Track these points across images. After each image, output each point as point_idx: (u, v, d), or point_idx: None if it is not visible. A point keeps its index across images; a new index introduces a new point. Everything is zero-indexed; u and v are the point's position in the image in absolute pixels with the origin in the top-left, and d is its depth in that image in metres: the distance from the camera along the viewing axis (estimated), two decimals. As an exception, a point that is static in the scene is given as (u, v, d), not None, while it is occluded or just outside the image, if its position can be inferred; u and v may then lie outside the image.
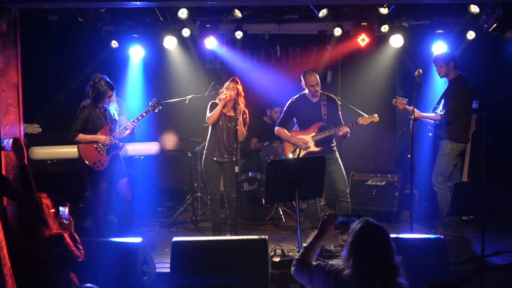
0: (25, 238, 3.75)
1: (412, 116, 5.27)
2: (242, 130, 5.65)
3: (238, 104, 5.64)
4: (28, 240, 3.74)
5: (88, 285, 2.42)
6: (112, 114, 5.56)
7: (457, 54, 7.23)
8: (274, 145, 7.32)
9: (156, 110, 5.67)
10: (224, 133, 5.73)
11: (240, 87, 5.73)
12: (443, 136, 5.75)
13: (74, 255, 3.82)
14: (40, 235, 3.73)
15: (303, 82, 5.65)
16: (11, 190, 3.46)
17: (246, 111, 5.81)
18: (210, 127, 5.83)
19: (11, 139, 3.56)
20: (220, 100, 5.69)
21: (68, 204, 4.00)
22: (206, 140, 5.94)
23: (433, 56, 6.03)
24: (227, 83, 5.76)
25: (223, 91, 5.72)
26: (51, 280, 3.75)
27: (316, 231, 2.97)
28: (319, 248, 3.04)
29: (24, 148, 3.67)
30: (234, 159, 5.57)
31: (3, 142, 3.56)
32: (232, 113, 5.73)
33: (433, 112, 5.84)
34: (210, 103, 5.84)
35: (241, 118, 5.64)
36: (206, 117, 5.78)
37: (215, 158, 5.78)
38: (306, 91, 5.69)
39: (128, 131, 5.58)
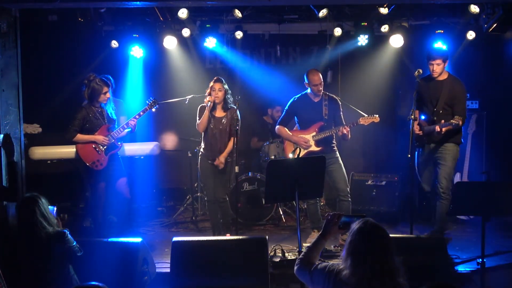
0: (26, 236, 3.75)
1: (412, 116, 5.21)
2: (233, 138, 5.61)
3: (229, 104, 5.63)
4: (30, 238, 3.74)
5: (93, 283, 2.41)
6: (109, 113, 5.56)
7: (457, 54, 7.27)
8: (274, 145, 7.31)
9: (153, 109, 5.67)
10: (217, 136, 5.69)
11: (226, 86, 5.68)
12: (447, 140, 5.39)
13: (74, 250, 3.82)
14: (43, 232, 3.73)
15: (306, 81, 5.64)
16: None
17: (238, 113, 5.68)
18: (201, 132, 5.79)
19: (1, 135, 3.57)
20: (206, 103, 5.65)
21: (56, 205, 4.01)
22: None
23: (431, 53, 5.54)
24: (212, 84, 5.66)
25: (210, 93, 5.62)
26: (52, 278, 3.75)
27: (316, 231, 2.98)
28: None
29: (13, 145, 3.67)
30: (229, 160, 5.59)
31: None
32: (223, 114, 5.70)
33: (422, 115, 5.54)
34: (199, 108, 5.77)
35: (232, 116, 5.64)
36: (196, 124, 5.72)
37: (210, 160, 5.76)
38: (308, 90, 5.68)
39: (127, 130, 5.58)
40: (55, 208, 3.99)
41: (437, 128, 5.22)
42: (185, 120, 7.57)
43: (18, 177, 3.53)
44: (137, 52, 7.49)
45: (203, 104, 5.75)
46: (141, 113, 5.60)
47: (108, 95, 5.46)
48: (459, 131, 5.45)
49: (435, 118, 5.39)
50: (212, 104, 5.62)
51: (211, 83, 5.69)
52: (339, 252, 5.05)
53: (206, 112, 5.62)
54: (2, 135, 3.59)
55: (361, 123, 5.52)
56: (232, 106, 5.72)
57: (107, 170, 5.49)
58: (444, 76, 5.47)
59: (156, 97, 5.80)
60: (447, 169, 5.42)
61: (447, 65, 5.52)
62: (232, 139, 5.68)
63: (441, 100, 5.40)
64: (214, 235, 5.80)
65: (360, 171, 7.17)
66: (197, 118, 5.76)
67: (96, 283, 2.39)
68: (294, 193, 4.09)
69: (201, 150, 5.87)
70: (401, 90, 7.95)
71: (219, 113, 5.74)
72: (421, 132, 5.43)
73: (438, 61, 5.39)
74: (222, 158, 5.65)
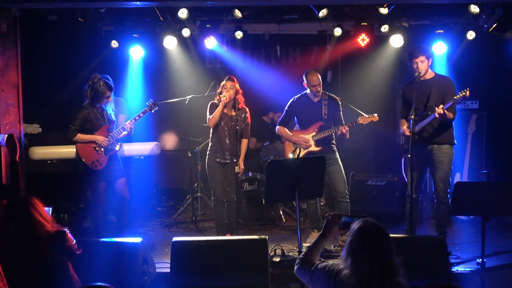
0: (27, 235, 3.75)
1: (412, 116, 5.18)
2: (246, 140, 5.80)
3: (239, 103, 5.63)
4: (31, 238, 3.73)
5: (99, 284, 2.40)
6: (109, 114, 5.56)
7: (457, 54, 7.27)
8: (275, 145, 7.32)
9: (152, 111, 5.68)
10: (226, 134, 5.70)
11: (237, 85, 5.73)
12: (441, 141, 5.26)
13: (74, 248, 3.82)
14: (43, 231, 3.73)
15: (305, 81, 5.64)
16: None
17: (247, 109, 5.80)
18: (211, 127, 5.83)
19: (6, 135, 3.59)
20: (219, 101, 5.68)
21: (52, 206, 4.02)
22: (206, 140, 5.93)
23: (412, 51, 5.27)
24: (223, 82, 5.72)
25: (220, 92, 5.69)
26: (52, 277, 3.75)
27: (316, 231, 2.98)
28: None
29: (18, 144, 3.69)
30: (235, 160, 5.57)
31: None
32: (233, 113, 5.72)
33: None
34: (209, 104, 5.82)
35: (242, 116, 5.66)
36: (207, 119, 5.76)
37: (218, 160, 5.77)
38: (308, 90, 5.68)
39: (125, 132, 5.58)
40: (50, 209, 3.99)
41: (439, 110, 4.95)
42: (185, 120, 7.59)
43: (21, 176, 3.54)
44: (137, 52, 7.49)
45: (214, 101, 5.78)
46: (141, 115, 5.60)
47: (110, 98, 5.48)
48: (452, 131, 5.31)
49: (429, 112, 5.17)
50: (227, 100, 5.61)
51: (223, 82, 5.73)
52: (339, 252, 5.05)
53: (220, 108, 5.62)
54: (6, 135, 3.62)
55: (360, 122, 5.53)
56: (243, 106, 5.73)
57: (107, 170, 5.49)
58: (431, 75, 5.31)
59: (156, 97, 5.81)
60: (443, 173, 5.26)
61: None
62: (246, 140, 5.80)
63: (432, 99, 5.22)
64: (218, 235, 5.79)
65: (360, 171, 7.17)
66: (208, 113, 5.76)
67: (103, 284, 2.39)
68: (294, 193, 4.08)
69: (208, 150, 5.87)
70: (401, 90, 7.94)
71: (230, 111, 5.74)
72: (409, 133, 5.14)
73: (422, 58, 5.18)
74: (241, 163, 5.69)
